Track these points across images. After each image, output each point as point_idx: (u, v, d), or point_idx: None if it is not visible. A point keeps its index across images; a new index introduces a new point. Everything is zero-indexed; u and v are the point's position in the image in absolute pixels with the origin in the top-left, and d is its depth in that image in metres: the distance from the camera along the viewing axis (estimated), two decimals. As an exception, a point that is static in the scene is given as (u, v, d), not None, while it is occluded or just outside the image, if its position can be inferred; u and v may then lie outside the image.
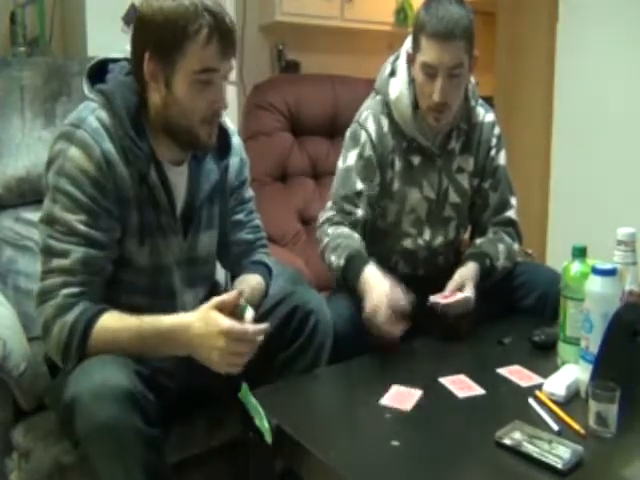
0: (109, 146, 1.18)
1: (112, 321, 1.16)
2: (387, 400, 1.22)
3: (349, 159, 1.70)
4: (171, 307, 1.29)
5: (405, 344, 1.50)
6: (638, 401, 1.14)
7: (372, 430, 1.15)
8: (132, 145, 1.19)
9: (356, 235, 1.65)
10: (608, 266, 1.22)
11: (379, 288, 1.45)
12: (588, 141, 2.84)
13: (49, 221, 1.18)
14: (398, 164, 1.70)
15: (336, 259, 1.59)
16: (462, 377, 1.31)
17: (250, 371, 1.21)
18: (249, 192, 1.51)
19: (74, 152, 1.17)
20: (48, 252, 1.17)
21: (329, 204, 1.73)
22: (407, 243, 1.75)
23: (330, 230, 1.66)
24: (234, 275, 1.44)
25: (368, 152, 1.68)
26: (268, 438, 1.13)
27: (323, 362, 1.38)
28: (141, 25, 1.19)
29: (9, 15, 2.13)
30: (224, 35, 1.18)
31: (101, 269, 1.21)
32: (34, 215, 1.74)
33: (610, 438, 1.08)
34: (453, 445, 1.09)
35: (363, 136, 1.69)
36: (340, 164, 1.73)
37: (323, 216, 1.72)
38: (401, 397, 1.23)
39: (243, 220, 1.48)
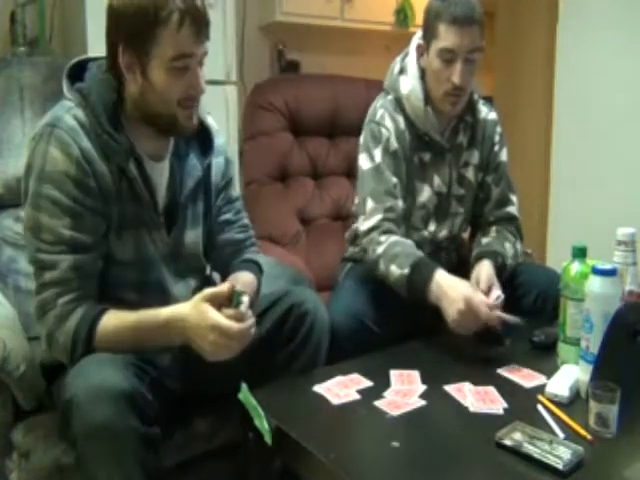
0: (86, 143, 1.19)
1: (111, 321, 1.17)
2: (387, 400, 1.22)
3: (376, 157, 1.66)
4: (163, 300, 1.29)
5: (405, 344, 1.50)
6: (638, 401, 1.13)
7: (372, 431, 1.14)
8: (109, 140, 1.19)
9: (410, 241, 1.61)
10: (608, 266, 1.22)
11: (459, 284, 1.44)
12: (588, 141, 2.84)
13: (35, 230, 1.18)
14: (412, 161, 1.70)
15: (398, 268, 1.52)
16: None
17: (249, 372, 1.21)
18: (236, 191, 1.53)
19: (53, 152, 1.17)
20: (39, 266, 1.19)
21: (369, 207, 1.63)
22: (413, 236, 1.72)
23: (382, 238, 1.59)
24: (224, 275, 1.44)
25: (394, 145, 1.66)
26: (268, 439, 1.13)
27: (321, 362, 1.38)
28: (113, 19, 1.19)
29: (9, 15, 2.13)
30: (196, 18, 1.17)
31: (92, 270, 1.22)
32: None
33: (611, 439, 1.08)
34: (453, 446, 1.09)
35: (384, 132, 1.67)
36: (367, 164, 1.67)
37: (367, 223, 1.63)
38: (401, 398, 1.23)
39: (232, 219, 1.49)
